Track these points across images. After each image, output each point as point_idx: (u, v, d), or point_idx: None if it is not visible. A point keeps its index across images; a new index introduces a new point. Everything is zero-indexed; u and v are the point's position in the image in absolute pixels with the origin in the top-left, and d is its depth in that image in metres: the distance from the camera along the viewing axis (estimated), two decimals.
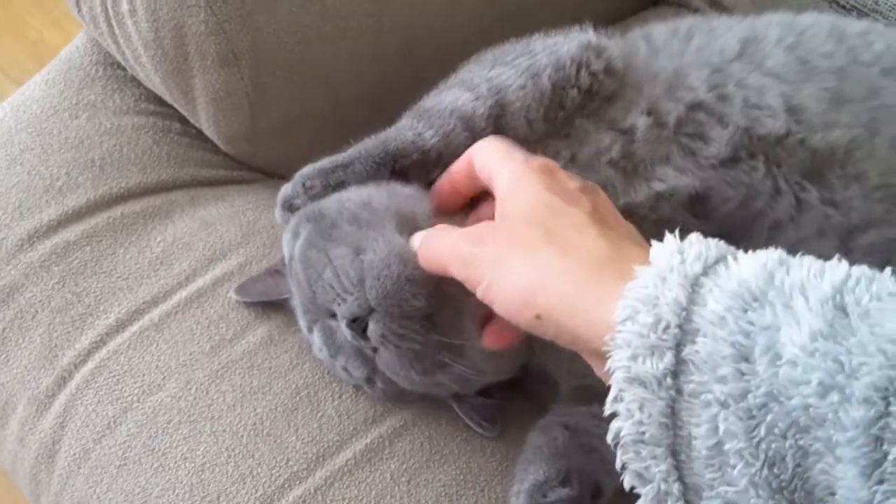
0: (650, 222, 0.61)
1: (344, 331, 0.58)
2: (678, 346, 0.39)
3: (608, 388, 0.42)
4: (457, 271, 0.51)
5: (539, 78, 0.62)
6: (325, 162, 0.63)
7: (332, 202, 0.60)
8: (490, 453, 0.63)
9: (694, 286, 0.40)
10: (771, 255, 0.41)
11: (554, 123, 0.63)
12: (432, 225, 0.58)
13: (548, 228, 0.47)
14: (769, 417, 0.37)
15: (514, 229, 0.49)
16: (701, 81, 0.61)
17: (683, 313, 0.40)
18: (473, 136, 0.61)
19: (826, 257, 0.59)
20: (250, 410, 0.63)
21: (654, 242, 0.44)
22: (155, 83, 0.75)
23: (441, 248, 0.53)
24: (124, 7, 0.70)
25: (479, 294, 0.49)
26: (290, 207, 0.63)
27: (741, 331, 0.38)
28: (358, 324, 0.57)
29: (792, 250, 0.59)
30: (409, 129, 0.62)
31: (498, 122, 0.62)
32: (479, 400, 0.64)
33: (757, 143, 0.60)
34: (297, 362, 0.66)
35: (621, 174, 0.61)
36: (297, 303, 0.63)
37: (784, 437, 0.37)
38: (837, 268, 0.40)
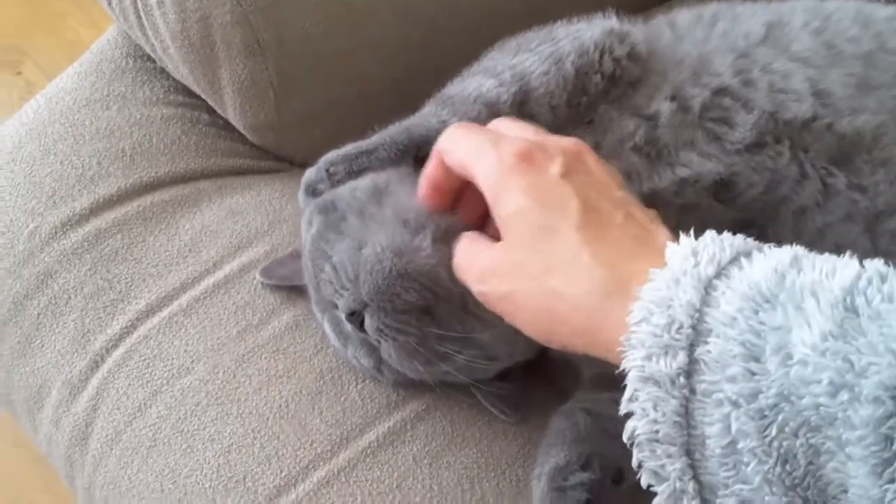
0: (675, 207, 0.61)
1: (345, 323, 0.59)
2: (691, 347, 0.40)
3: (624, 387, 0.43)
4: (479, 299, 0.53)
5: (562, 64, 0.62)
6: (350, 148, 0.63)
7: (345, 192, 0.61)
8: (512, 437, 0.64)
9: (707, 288, 0.41)
10: (783, 257, 0.42)
11: (577, 109, 0.63)
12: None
13: (544, 256, 0.47)
14: (780, 417, 0.38)
15: (512, 257, 0.49)
16: (726, 67, 0.61)
17: (696, 314, 0.40)
18: None
19: (852, 242, 0.60)
20: (276, 393, 0.65)
21: (668, 244, 0.44)
22: (183, 74, 0.76)
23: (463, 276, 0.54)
24: (152, 0, 0.71)
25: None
26: (313, 192, 0.64)
27: (752, 330, 0.39)
28: (355, 318, 0.58)
29: (818, 235, 0.60)
30: (433, 116, 0.63)
31: (521, 108, 0.62)
32: (499, 385, 0.64)
33: (783, 128, 0.60)
34: (322, 347, 0.67)
35: (645, 160, 0.61)
36: (310, 292, 0.64)
37: (796, 435, 0.38)
38: (849, 267, 0.40)
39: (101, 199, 0.74)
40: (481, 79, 0.64)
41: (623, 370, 0.42)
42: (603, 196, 0.49)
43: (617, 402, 0.59)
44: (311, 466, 0.61)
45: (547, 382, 0.68)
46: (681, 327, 0.40)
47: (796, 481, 0.38)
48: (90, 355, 0.70)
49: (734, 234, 0.53)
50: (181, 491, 0.63)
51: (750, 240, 0.44)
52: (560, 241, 0.47)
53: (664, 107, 0.62)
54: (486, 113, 0.62)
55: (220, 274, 0.71)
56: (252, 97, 0.73)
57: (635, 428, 0.42)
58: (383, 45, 0.76)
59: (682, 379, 0.40)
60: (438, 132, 0.60)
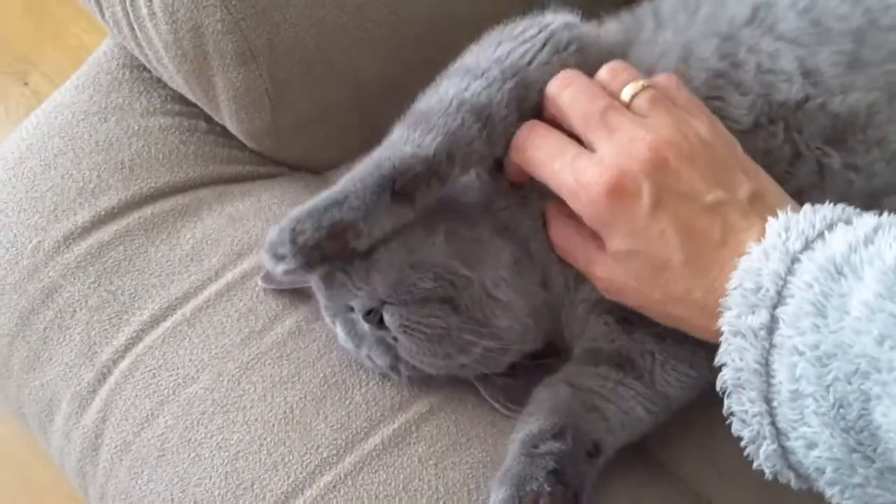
0: None
1: (362, 323, 0.59)
2: (773, 307, 0.47)
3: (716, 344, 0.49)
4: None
5: (563, 55, 0.60)
6: (317, 201, 0.56)
7: None
8: None
9: (793, 261, 0.47)
10: (859, 232, 0.47)
11: None
12: None
13: (661, 290, 0.53)
14: (836, 363, 0.44)
15: (632, 284, 0.55)
16: (711, 51, 0.61)
17: (780, 282, 0.47)
18: (491, 126, 0.57)
19: None
20: (280, 400, 0.65)
21: (769, 218, 0.50)
22: (178, 83, 0.76)
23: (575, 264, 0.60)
24: (143, 11, 0.71)
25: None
26: (275, 255, 0.56)
27: (822, 293, 0.45)
28: (373, 316, 0.58)
29: None
30: (404, 143, 0.57)
31: (521, 107, 0.59)
32: (503, 381, 0.65)
33: (777, 110, 0.60)
34: (325, 352, 0.67)
35: None
36: (318, 297, 0.64)
37: (849, 382, 0.43)
38: None
39: (103, 212, 0.74)
40: (460, 82, 0.59)
41: (718, 327, 0.49)
42: (696, 210, 0.52)
43: (600, 377, 0.61)
44: (317, 471, 0.62)
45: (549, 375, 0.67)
46: (766, 291, 0.47)
47: (850, 424, 0.43)
48: (97, 367, 0.70)
49: None
50: (191, 499, 0.64)
51: (845, 209, 0.50)
52: (673, 278, 0.52)
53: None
54: (472, 120, 0.57)
55: (221, 282, 0.71)
56: (247, 104, 0.73)
57: (725, 375, 0.48)
58: (378, 45, 0.75)
59: (763, 332, 0.46)
60: (414, 157, 0.56)
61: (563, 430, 0.57)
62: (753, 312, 0.47)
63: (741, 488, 0.62)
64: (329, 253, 0.55)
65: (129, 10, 0.73)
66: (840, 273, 0.45)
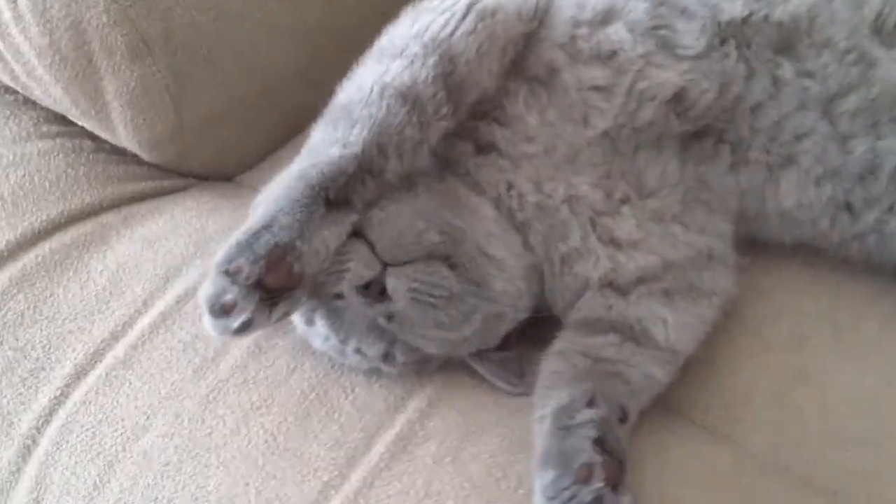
0: (633, 131, 0.61)
1: (356, 302, 0.54)
2: None
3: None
4: None
5: (489, 21, 0.57)
6: (241, 234, 0.50)
7: None
8: (528, 410, 0.58)
9: None
10: None
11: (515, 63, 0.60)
12: None
13: None
14: None
15: None
16: None
17: None
18: (420, 108, 0.54)
19: (812, 129, 0.61)
20: (258, 428, 0.58)
21: None
22: (56, 98, 0.69)
23: None
24: (6, 15, 0.63)
25: None
26: (223, 309, 0.49)
27: None
28: (373, 288, 0.53)
29: (776, 129, 0.61)
30: (327, 145, 0.53)
31: (447, 81, 0.55)
32: (498, 356, 0.61)
33: (725, 29, 0.61)
34: (296, 365, 0.61)
35: (603, 94, 0.60)
36: None
37: None
38: None
39: None
40: (378, 66, 0.55)
41: None
42: None
43: (613, 345, 0.59)
44: (321, 497, 0.55)
45: (540, 347, 0.63)
46: None
47: None
48: (17, 441, 0.61)
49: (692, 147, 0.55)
50: None
51: None
52: None
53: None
54: (398, 106, 0.53)
55: (153, 312, 0.64)
56: (146, 105, 0.66)
57: None
58: (279, 29, 0.71)
59: None
60: (342, 159, 0.52)
61: (594, 398, 0.54)
62: None
63: (754, 420, 0.60)
64: (273, 286, 0.48)
65: None
66: None
